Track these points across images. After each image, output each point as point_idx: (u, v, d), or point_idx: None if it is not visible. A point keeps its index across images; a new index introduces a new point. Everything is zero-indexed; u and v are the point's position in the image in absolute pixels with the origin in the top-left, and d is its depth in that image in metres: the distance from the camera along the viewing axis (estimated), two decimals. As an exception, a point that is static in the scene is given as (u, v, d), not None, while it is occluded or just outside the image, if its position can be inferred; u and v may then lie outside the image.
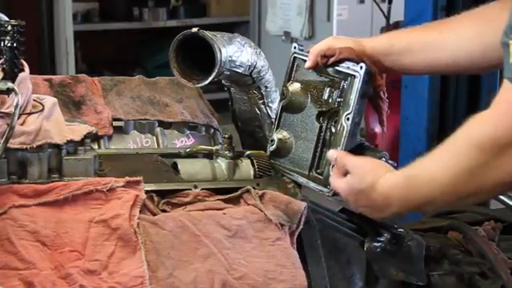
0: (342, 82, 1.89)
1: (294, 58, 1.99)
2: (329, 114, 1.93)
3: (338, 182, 1.76)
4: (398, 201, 1.64)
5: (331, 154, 1.80)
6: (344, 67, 1.89)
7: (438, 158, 1.59)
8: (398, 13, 4.06)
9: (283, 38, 5.66)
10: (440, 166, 1.57)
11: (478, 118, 1.49)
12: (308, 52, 1.95)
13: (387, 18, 4.31)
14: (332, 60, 1.89)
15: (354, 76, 1.86)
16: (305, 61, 1.95)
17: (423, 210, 1.65)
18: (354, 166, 1.73)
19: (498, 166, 1.44)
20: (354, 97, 1.85)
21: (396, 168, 1.75)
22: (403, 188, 1.63)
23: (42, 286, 1.59)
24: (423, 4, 3.58)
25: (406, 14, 3.79)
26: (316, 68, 1.94)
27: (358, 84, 1.85)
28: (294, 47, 1.99)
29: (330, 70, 1.92)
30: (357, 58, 1.88)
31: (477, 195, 1.55)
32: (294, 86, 1.98)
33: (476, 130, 1.50)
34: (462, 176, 1.51)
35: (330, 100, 1.92)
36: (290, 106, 1.98)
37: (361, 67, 1.85)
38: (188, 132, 2.30)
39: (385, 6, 4.25)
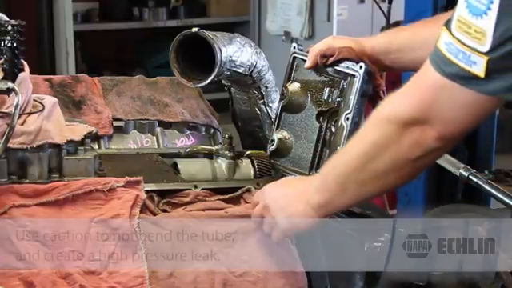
0: (342, 81, 1.90)
1: (294, 57, 1.99)
2: (329, 114, 1.93)
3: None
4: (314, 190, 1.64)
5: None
6: (343, 67, 1.89)
7: (348, 143, 1.64)
8: (398, 13, 4.05)
9: (283, 37, 5.66)
10: (352, 143, 1.60)
11: (393, 95, 1.52)
12: (307, 52, 1.95)
13: (387, 17, 4.31)
14: (331, 60, 1.89)
15: (354, 76, 1.86)
16: (304, 61, 1.96)
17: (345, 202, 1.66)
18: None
19: (401, 141, 1.47)
20: (353, 96, 1.86)
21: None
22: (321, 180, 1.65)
23: (42, 286, 1.59)
24: (423, 4, 3.58)
25: (406, 13, 3.79)
26: (315, 68, 1.94)
27: (357, 84, 1.85)
28: (294, 47, 1.99)
29: (329, 69, 1.92)
30: (356, 58, 1.88)
31: (387, 173, 1.53)
32: (294, 86, 1.98)
33: (387, 105, 1.53)
34: (369, 148, 1.53)
35: (330, 100, 1.92)
36: (290, 106, 1.98)
37: (360, 67, 1.85)
38: (188, 132, 2.30)
39: (385, 6, 4.24)
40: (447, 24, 1.38)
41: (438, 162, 1.81)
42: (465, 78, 1.35)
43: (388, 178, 1.55)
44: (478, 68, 1.32)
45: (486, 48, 1.31)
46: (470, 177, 1.79)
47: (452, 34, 1.36)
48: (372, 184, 1.57)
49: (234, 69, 2.05)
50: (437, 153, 1.52)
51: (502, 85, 1.33)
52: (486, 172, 3.74)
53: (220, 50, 1.97)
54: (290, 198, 1.68)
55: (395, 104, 1.50)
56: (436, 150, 1.49)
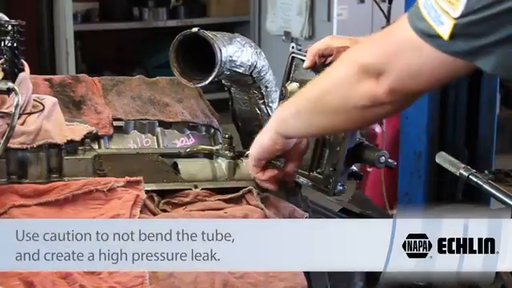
0: (341, 81, 1.89)
1: (293, 57, 1.99)
2: (328, 114, 1.92)
3: None
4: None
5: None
6: None
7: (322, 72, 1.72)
8: (397, 13, 4.05)
9: (283, 37, 5.66)
10: (320, 76, 1.69)
11: (363, 42, 1.60)
12: (306, 52, 1.95)
13: (387, 17, 4.31)
14: (330, 59, 1.90)
15: None
16: (303, 60, 1.95)
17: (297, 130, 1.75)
18: None
19: (355, 85, 1.52)
20: None
21: (395, 168, 1.75)
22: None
23: (42, 286, 1.59)
24: (423, 4, 3.58)
25: (406, 13, 3.79)
26: (314, 67, 1.94)
27: None
28: (292, 47, 1.99)
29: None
30: None
31: (335, 111, 1.60)
32: (293, 86, 1.98)
33: (358, 48, 1.61)
34: (327, 82, 1.61)
35: (329, 99, 1.92)
36: (290, 106, 1.98)
37: None
38: (188, 132, 2.30)
39: (385, 6, 4.25)
40: None
41: (437, 162, 1.82)
42: (430, 36, 1.39)
43: (335, 117, 1.62)
44: (444, 29, 1.36)
45: (456, 13, 1.34)
46: (470, 177, 1.78)
47: None
48: (321, 117, 1.64)
49: (234, 69, 2.05)
50: (385, 108, 1.55)
51: (462, 47, 1.37)
52: (486, 172, 3.75)
53: (220, 50, 1.97)
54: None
55: (363, 49, 1.57)
56: (384, 104, 1.53)
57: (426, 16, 1.39)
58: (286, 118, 1.72)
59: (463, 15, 1.34)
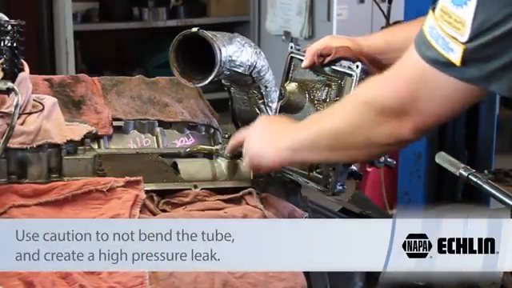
0: (339, 81, 1.90)
1: (291, 57, 1.99)
2: (328, 114, 1.92)
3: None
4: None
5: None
6: (340, 66, 1.89)
7: (330, 109, 1.73)
8: (397, 13, 4.06)
9: (283, 37, 5.66)
10: (328, 113, 1.70)
11: (375, 79, 1.57)
12: (305, 52, 1.95)
13: (387, 17, 4.31)
14: (328, 59, 1.90)
15: (351, 75, 1.86)
16: (302, 60, 1.96)
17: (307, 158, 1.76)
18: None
19: (377, 127, 1.52)
20: None
21: (395, 168, 1.76)
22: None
23: (41, 286, 1.59)
24: (423, 4, 3.58)
25: (406, 13, 3.79)
26: (313, 67, 1.94)
27: (354, 82, 1.85)
28: (291, 47, 1.99)
29: (326, 69, 1.92)
30: (353, 57, 1.89)
31: (356, 149, 1.61)
32: (292, 86, 1.98)
33: (369, 88, 1.58)
34: (344, 125, 1.59)
35: (328, 99, 1.92)
36: (289, 106, 1.98)
37: (357, 66, 1.85)
38: (188, 132, 2.30)
39: (385, 6, 4.25)
40: (434, 8, 1.42)
41: (437, 162, 1.82)
42: (443, 64, 1.38)
43: (356, 152, 1.63)
44: (455, 56, 1.36)
45: (464, 38, 1.34)
46: (470, 177, 1.78)
47: (436, 19, 1.39)
48: (339, 153, 1.66)
49: (234, 69, 2.05)
50: (409, 142, 1.57)
51: (475, 73, 1.36)
52: (486, 172, 3.75)
53: (220, 50, 1.97)
54: (269, 134, 1.79)
55: (376, 89, 1.54)
56: (410, 140, 1.54)
57: (434, 44, 1.38)
58: (298, 150, 1.71)
59: (471, 39, 1.33)
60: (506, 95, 1.39)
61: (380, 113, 1.50)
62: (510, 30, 1.31)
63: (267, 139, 1.79)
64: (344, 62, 1.88)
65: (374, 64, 1.89)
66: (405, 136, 1.51)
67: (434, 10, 1.42)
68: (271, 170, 1.87)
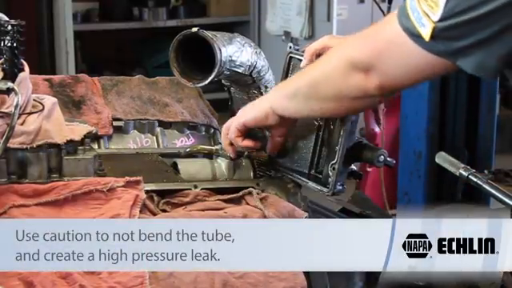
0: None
1: (290, 58, 1.99)
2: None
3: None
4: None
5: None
6: None
7: (316, 61, 1.82)
8: (397, 13, 4.06)
9: (283, 37, 5.66)
10: (312, 66, 1.81)
11: (355, 36, 1.67)
12: (303, 52, 1.95)
13: (387, 17, 4.30)
14: None
15: None
16: (300, 60, 1.95)
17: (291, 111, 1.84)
18: None
19: (346, 79, 1.64)
20: None
21: (395, 168, 1.77)
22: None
23: (42, 286, 1.59)
24: (423, 4, 3.58)
25: (406, 13, 3.79)
26: None
27: None
28: (290, 47, 1.99)
29: None
30: None
31: (328, 99, 1.73)
32: (292, 86, 1.97)
33: (347, 44, 1.71)
34: (319, 74, 1.72)
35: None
36: (289, 106, 1.98)
37: None
38: (188, 132, 2.30)
39: (385, 6, 4.25)
40: None
41: (437, 162, 1.82)
42: (414, 35, 1.46)
43: (328, 104, 1.74)
44: (425, 31, 1.44)
45: (436, 17, 1.41)
46: (470, 177, 1.78)
47: None
48: (314, 102, 1.75)
49: (234, 69, 2.05)
50: (374, 99, 1.69)
51: (442, 48, 1.44)
52: (486, 172, 3.75)
53: (220, 50, 1.97)
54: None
55: (352, 45, 1.66)
56: (374, 96, 1.65)
57: (411, 16, 1.45)
58: (283, 97, 1.81)
59: (442, 19, 1.40)
60: (472, 73, 1.45)
61: (351, 66, 1.62)
62: (480, 14, 1.37)
63: (255, 101, 1.92)
64: None
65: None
66: (370, 91, 1.62)
67: None
68: (254, 125, 1.90)
